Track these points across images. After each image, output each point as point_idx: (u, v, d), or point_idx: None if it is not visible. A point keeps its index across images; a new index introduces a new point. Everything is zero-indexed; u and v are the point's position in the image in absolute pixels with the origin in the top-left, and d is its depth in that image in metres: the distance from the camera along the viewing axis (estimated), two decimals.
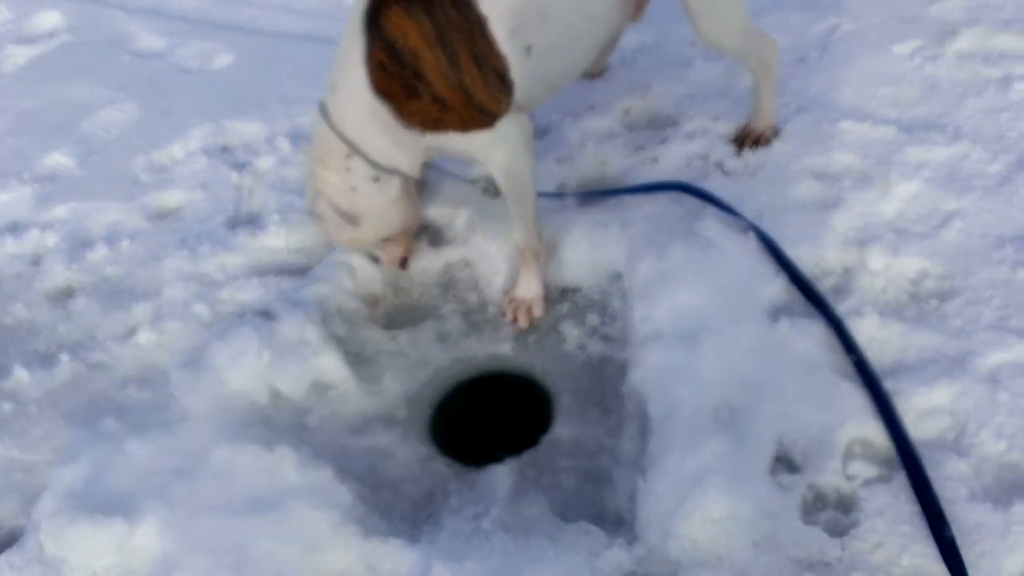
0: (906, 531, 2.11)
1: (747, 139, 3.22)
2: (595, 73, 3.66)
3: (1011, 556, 2.02)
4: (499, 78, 2.53)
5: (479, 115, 2.56)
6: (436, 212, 3.20)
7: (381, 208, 2.76)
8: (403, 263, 3.00)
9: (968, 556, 2.02)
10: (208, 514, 2.33)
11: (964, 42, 3.44)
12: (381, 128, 2.57)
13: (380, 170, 2.66)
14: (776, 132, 3.22)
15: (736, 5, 2.97)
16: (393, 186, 2.73)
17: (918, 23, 3.58)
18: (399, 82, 2.48)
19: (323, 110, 2.64)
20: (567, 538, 2.23)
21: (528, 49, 2.53)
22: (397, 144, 2.61)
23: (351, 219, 2.71)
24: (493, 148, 2.66)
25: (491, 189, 2.91)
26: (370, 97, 2.52)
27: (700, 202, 2.97)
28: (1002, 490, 2.16)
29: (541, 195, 2.91)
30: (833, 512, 2.21)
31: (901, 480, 2.20)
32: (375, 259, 3.01)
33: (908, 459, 2.22)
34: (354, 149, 2.61)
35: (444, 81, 2.47)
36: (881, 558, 2.09)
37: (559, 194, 3.09)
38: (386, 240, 2.90)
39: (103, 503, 2.36)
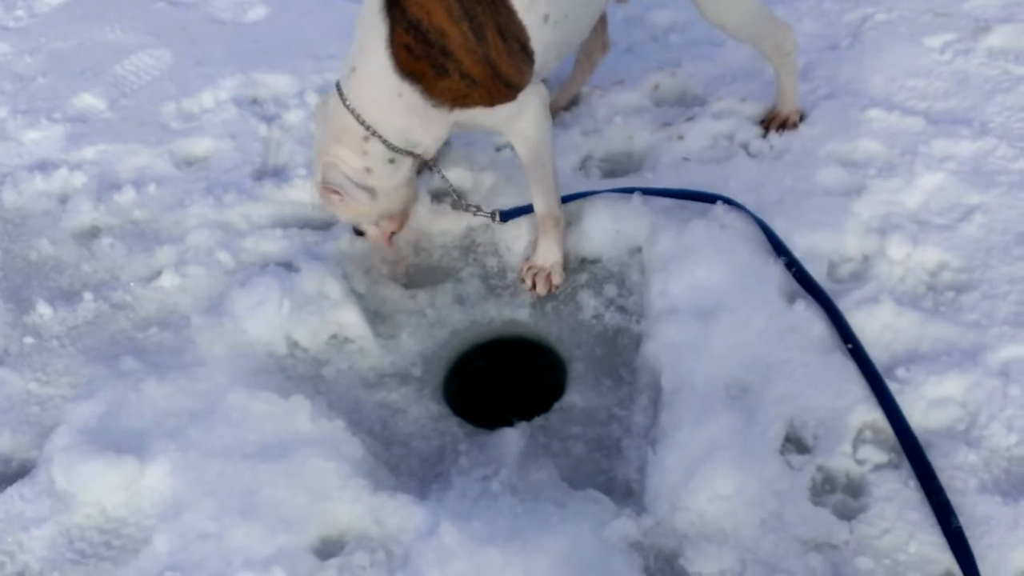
0: (914, 518, 2.13)
1: (773, 122, 3.22)
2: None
3: (1019, 549, 2.03)
4: (522, 48, 2.54)
5: (505, 88, 2.58)
6: (460, 176, 3.20)
7: (391, 188, 2.76)
8: (390, 238, 2.98)
9: (976, 547, 2.03)
10: (219, 458, 2.36)
11: (997, 39, 3.42)
12: (406, 110, 2.57)
13: (396, 152, 2.66)
14: (802, 116, 3.23)
15: None
16: (405, 167, 2.74)
17: (951, 17, 3.57)
18: (427, 62, 2.49)
19: (339, 91, 2.62)
20: (575, 504, 2.25)
21: (545, 18, 2.55)
22: (423, 124, 2.62)
23: (370, 192, 2.72)
24: (516, 119, 2.68)
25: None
26: (395, 80, 2.52)
27: (723, 180, 2.99)
28: (1012, 484, 2.17)
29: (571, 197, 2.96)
30: (842, 495, 2.23)
31: (911, 467, 2.22)
32: (359, 233, 2.98)
33: (911, 448, 2.24)
34: (373, 132, 2.61)
35: (471, 56, 2.48)
36: (888, 544, 2.10)
37: (588, 193, 3.06)
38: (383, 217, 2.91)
39: (116, 441, 2.40)
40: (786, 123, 3.21)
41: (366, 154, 2.65)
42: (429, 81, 2.52)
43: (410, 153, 2.69)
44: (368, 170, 2.67)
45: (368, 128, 2.60)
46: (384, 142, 2.62)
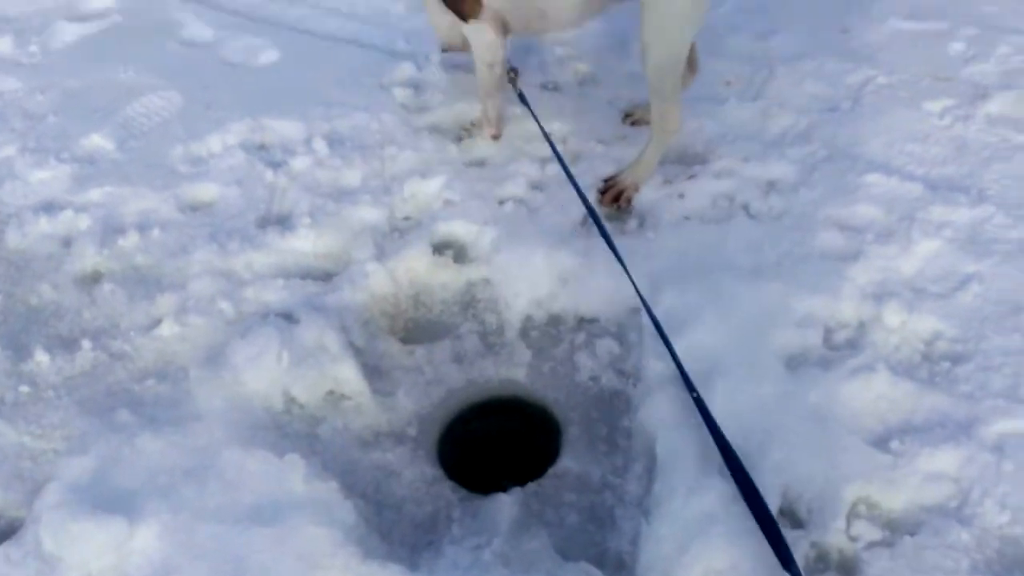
0: None
1: (610, 190, 3.25)
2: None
3: None
4: None
5: (452, 2, 3.20)
6: (463, 229, 3.23)
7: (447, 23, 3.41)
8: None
9: None
10: (211, 520, 2.32)
11: (995, 106, 3.45)
12: None
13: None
14: (638, 190, 3.26)
15: (671, 38, 2.98)
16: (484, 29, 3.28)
17: (951, 82, 3.60)
18: None
19: None
20: None
21: None
22: None
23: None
24: (470, 38, 3.31)
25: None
26: None
27: (722, 240, 3.02)
28: (1004, 566, 2.16)
29: None
30: (835, 574, 2.21)
31: (905, 545, 2.21)
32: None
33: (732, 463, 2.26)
34: None
35: None
36: None
37: None
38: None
39: (107, 499, 2.36)
40: (622, 195, 3.23)
41: None
42: None
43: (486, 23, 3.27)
44: None
45: None
46: None
